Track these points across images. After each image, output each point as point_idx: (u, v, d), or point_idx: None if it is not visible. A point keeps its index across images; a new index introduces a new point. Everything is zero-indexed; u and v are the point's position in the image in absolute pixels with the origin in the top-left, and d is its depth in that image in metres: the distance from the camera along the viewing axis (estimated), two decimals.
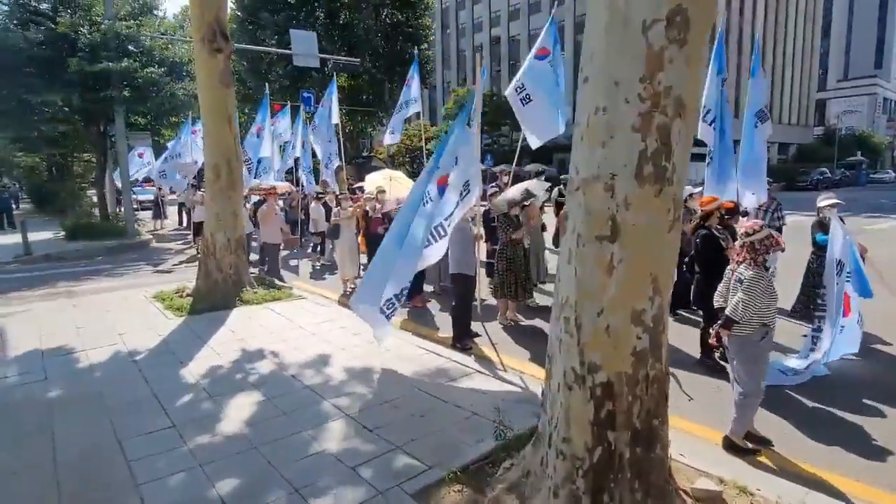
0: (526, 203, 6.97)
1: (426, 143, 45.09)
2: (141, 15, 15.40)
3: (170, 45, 15.70)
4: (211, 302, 7.21)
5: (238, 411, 4.04)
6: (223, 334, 6.01)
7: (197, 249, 13.36)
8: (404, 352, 5.29)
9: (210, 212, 7.67)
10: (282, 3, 27.53)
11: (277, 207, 9.71)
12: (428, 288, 8.17)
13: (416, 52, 12.53)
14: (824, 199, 5.93)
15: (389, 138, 13.26)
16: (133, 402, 4.23)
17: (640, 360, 2.50)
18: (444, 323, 6.57)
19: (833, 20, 65.66)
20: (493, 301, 6.91)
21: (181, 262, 11.96)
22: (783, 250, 3.82)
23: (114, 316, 6.81)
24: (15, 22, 13.73)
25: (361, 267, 8.85)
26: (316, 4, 28.75)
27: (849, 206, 13.70)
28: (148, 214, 20.31)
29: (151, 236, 16.35)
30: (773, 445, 3.63)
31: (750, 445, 3.62)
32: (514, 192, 7.19)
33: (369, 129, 37.74)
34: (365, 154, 37.17)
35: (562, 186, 10.98)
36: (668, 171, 2.35)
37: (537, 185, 7.39)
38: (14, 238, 14.27)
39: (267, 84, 14.00)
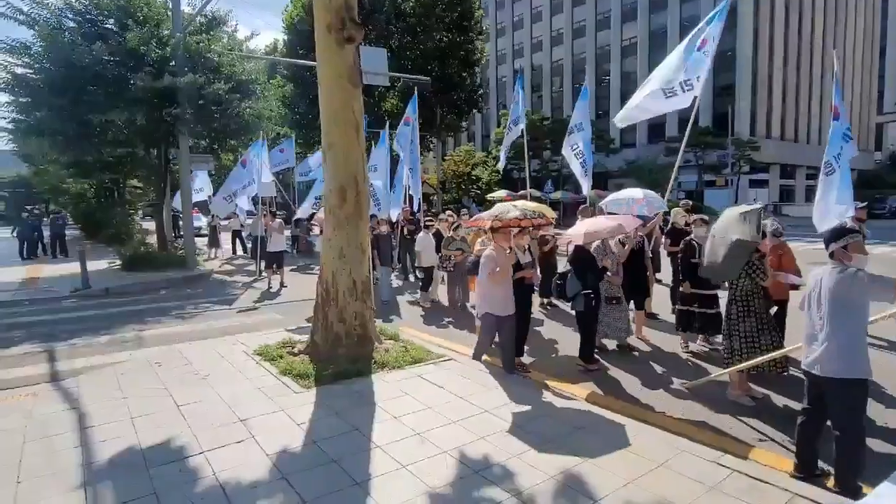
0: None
1: (472, 169, 43.46)
2: (210, 30, 14.29)
3: (238, 62, 14.53)
4: (335, 364, 5.48)
5: None
6: (384, 422, 4.21)
7: (269, 283, 11.85)
8: (696, 467, 3.38)
9: (331, 246, 6.00)
10: None
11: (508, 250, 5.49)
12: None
13: (519, 68, 11.55)
14: None
15: (502, 163, 13.40)
16: None
17: None
18: (641, 393, 4.74)
19: (888, 40, 63.05)
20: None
21: (260, 300, 10.35)
22: None
23: (218, 383, 5.12)
24: (80, 38, 12.69)
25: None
26: (369, 28, 27.91)
27: None
28: (202, 242, 19.08)
29: (210, 268, 14.94)
30: None
31: None
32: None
33: None
34: None
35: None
36: None
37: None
38: (69, 267, 12.99)
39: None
